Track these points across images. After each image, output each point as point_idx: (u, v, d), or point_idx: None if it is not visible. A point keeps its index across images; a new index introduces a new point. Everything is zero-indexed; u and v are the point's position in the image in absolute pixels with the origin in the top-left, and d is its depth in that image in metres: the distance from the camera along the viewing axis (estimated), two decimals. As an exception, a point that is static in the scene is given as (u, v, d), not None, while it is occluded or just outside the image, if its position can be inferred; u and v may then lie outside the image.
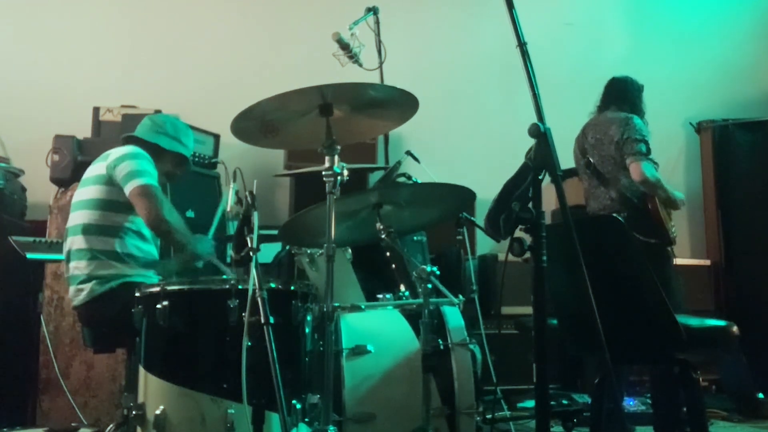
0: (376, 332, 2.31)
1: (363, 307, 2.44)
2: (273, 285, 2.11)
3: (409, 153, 3.24)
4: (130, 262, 2.60)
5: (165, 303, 2.05)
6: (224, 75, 4.66)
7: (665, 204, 3.31)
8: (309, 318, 2.23)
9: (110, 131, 3.84)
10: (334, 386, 1.99)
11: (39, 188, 4.01)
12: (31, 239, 3.35)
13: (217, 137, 4.11)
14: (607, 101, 3.50)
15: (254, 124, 2.12)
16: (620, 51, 5.21)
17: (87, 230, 2.60)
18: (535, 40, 1.80)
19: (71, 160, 3.72)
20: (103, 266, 2.56)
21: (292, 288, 2.19)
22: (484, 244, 4.37)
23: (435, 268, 2.08)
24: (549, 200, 2.17)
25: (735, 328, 2.33)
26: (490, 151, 4.70)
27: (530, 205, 1.59)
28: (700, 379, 2.44)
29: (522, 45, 1.68)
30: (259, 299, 1.89)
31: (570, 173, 3.81)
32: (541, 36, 4.16)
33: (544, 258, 1.58)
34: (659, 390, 3.06)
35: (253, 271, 1.92)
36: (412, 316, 2.34)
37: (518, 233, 1.63)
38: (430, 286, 2.09)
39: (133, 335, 2.17)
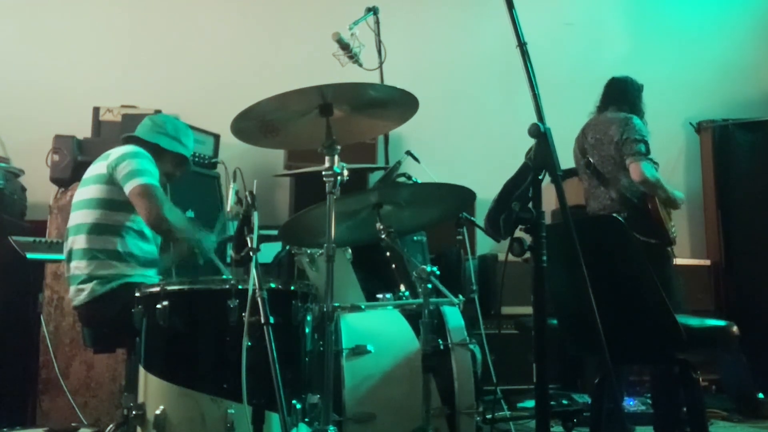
0: (376, 332, 2.31)
1: (363, 307, 2.44)
2: (273, 285, 2.11)
3: (409, 153, 3.24)
4: (131, 262, 2.60)
5: (165, 303, 2.05)
6: (224, 75, 4.66)
7: (665, 204, 3.31)
8: (309, 318, 2.23)
9: (110, 131, 3.84)
10: (334, 386, 1.99)
11: (39, 188, 4.00)
12: (31, 239, 3.35)
13: (217, 137, 4.11)
14: (606, 101, 3.50)
15: (254, 124, 2.12)
16: (620, 51, 5.21)
17: (88, 230, 2.59)
18: (535, 40, 1.80)
19: (71, 160, 3.72)
20: (104, 266, 2.56)
21: (292, 288, 2.19)
22: (484, 244, 4.37)
23: (435, 268, 2.08)
24: (549, 200, 2.16)
25: (735, 328, 2.33)
26: (490, 151, 4.70)
27: (530, 205, 1.59)
28: (700, 379, 2.43)
29: (522, 45, 1.68)
30: (259, 299, 1.89)
31: (570, 173, 3.81)
32: (541, 36, 4.16)
33: (544, 258, 1.58)
34: (659, 390, 3.06)
35: (253, 271, 1.91)
36: (412, 316, 2.33)
37: (518, 233, 1.63)
38: (430, 286, 2.09)
39: (133, 335, 2.17)
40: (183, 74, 4.65)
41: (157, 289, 2.10)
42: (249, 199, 2.06)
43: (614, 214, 2.96)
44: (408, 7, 4.95)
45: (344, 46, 3.21)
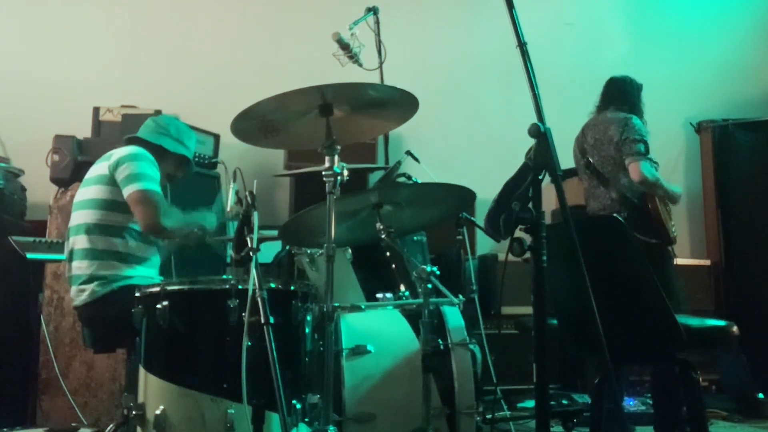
0: (376, 332, 2.31)
1: (363, 307, 2.44)
2: (273, 285, 2.11)
3: (409, 153, 3.24)
4: (133, 262, 2.60)
5: (165, 303, 2.05)
6: (224, 75, 4.66)
7: (665, 199, 3.32)
8: (309, 318, 2.23)
9: (110, 131, 3.85)
10: (334, 386, 1.99)
11: (39, 188, 4.00)
12: (31, 239, 3.35)
13: (217, 137, 4.11)
14: (606, 101, 3.50)
15: (254, 124, 2.12)
16: (620, 51, 5.21)
17: (89, 230, 2.59)
18: (535, 40, 1.80)
19: (71, 160, 3.72)
20: (105, 266, 2.56)
21: (292, 288, 2.19)
22: (484, 244, 4.37)
23: (435, 268, 2.08)
24: (549, 200, 2.16)
25: (735, 328, 2.33)
26: (490, 151, 4.70)
27: (530, 205, 1.59)
28: (700, 379, 2.43)
29: (522, 45, 1.68)
30: (259, 299, 1.89)
31: (570, 173, 3.81)
32: (541, 36, 4.17)
33: (544, 258, 1.58)
34: (659, 390, 3.06)
35: (253, 271, 1.91)
36: (412, 316, 2.34)
37: (518, 233, 1.63)
38: (430, 286, 2.08)
39: (134, 335, 2.17)
40: (183, 74, 4.65)
41: (157, 289, 2.10)
42: (249, 199, 2.06)
43: (614, 214, 2.96)
44: (408, 7, 4.95)
45: (344, 46, 3.21)
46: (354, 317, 2.37)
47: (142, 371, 2.09)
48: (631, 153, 3.23)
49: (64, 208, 3.62)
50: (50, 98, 4.39)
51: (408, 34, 4.74)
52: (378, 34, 3.60)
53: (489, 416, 2.33)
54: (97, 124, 3.95)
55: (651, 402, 3.40)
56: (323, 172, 2.04)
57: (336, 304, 2.18)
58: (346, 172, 2.06)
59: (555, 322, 2.54)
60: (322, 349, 2.08)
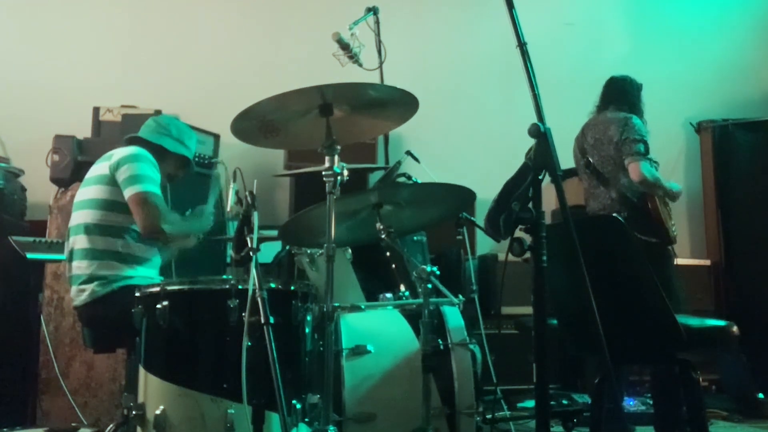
0: (376, 332, 2.31)
1: (363, 307, 2.44)
2: (273, 285, 2.11)
3: (409, 153, 3.24)
4: (133, 263, 2.60)
5: (165, 303, 2.05)
6: (224, 75, 4.66)
7: (665, 198, 3.32)
8: (309, 318, 2.23)
9: (110, 131, 3.85)
10: (334, 386, 1.99)
11: (39, 188, 4.00)
12: (31, 239, 3.35)
13: (217, 137, 4.11)
14: (606, 101, 3.50)
15: (254, 124, 2.12)
16: (620, 51, 5.21)
17: (89, 230, 2.59)
18: (535, 40, 1.80)
19: (71, 160, 3.72)
20: (105, 266, 2.56)
21: (292, 288, 2.19)
22: (484, 244, 4.37)
23: (435, 268, 2.07)
24: (549, 200, 2.16)
25: (735, 328, 2.33)
26: (490, 151, 4.70)
27: (530, 205, 1.59)
28: (700, 379, 2.43)
29: (522, 45, 1.68)
30: (259, 299, 1.89)
31: (570, 173, 3.81)
32: (541, 36, 4.15)
33: (544, 258, 1.58)
34: (659, 390, 3.06)
35: (253, 271, 1.91)
36: (412, 316, 2.34)
37: (518, 233, 1.63)
38: (430, 286, 2.08)
39: (134, 335, 2.17)
40: (183, 74, 4.65)
41: (157, 289, 2.10)
42: (249, 199, 2.06)
43: (614, 214, 2.96)
44: (408, 7, 4.95)
45: (344, 46, 3.21)
46: (354, 317, 2.37)
47: (142, 371, 2.09)
48: (631, 153, 3.23)
49: (64, 208, 3.62)
50: (50, 98, 4.39)
51: (408, 34, 4.74)
52: (378, 34, 3.60)
53: (489, 416, 2.33)
54: (97, 124, 3.95)
55: (651, 402, 3.40)
56: (323, 172, 2.04)
57: (336, 304, 2.18)
58: (346, 172, 2.06)
59: (555, 322, 2.54)
60: (322, 349, 2.07)
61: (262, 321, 1.87)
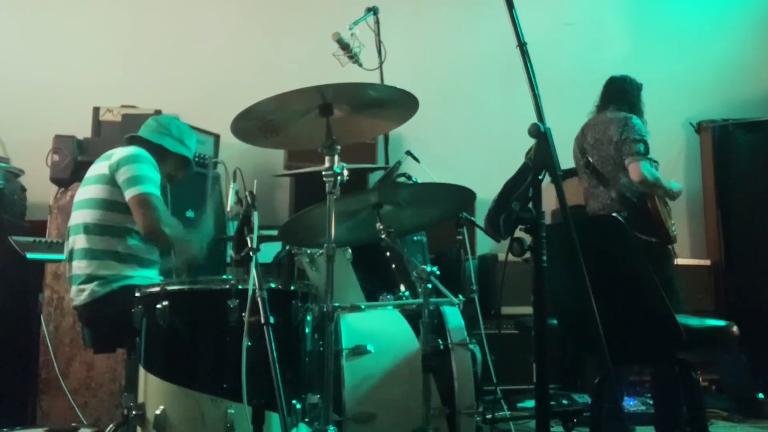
0: (376, 332, 2.31)
1: (363, 307, 2.44)
2: (273, 285, 2.11)
3: (409, 153, 3.24)
4: (132, 262, 2.60)
5: (165, 303, 2.05)
6: (224, 75, 4.66)
7: (665, 198, 3.32)
8: (309, 318, 2.23)
9: (110, 131, 3.85)
10: (334, 386, 1.99)
11: (39, 188, 4.00)
12: (31, 239, 3.35)
13: (217, 137, 4.11)
14: (606, 101, 3.50)
15: (254, 124, 2.12)
16: (620, 51, 5.21)
17: (89, 230, 2.59)
18: (535, 40, 1.80)
19: (71, 160, 3.72)
20: (104, 266, 2.56)
21: (292, 288, 2.19)
22: (484, 244, 4.37)
23: (435, 268, 2.07)
24: (549, 200, 2.16)
25: (735, 328, 2.33)
26: (490, 151, 4.70)
27: (530, 205, 1.59)
28: (700, 379, 2.43)
29: (522, 45, 1.68)
30: (259, 299, 1.89)
31: (570, 173, 3.81)
32: (541, 36, 4.15)
33: (544, 258, 1.58)
34: (659, 390, 3.06)
35: (253, 271, 1.91)
36: (412, 316, 2.34)
37: (518, 233, 1.63)
38: (430, 286, 2.08)
39: (134, 335, 2.17)
40: (183, 74, 4.65)
41: (157, 289, 2.10)
42: (249, 199, 2.06)
43: (614, 214, 2.96)
44: (408, 7, 4.95)
45: (344, 46, 3.21)
46: (354, 317, 2.37)
47: (142, 371, 2.09)
48: (631, 153, 3.23)
49: (64, 208, 3.62)
50: (50, 98, 4.39)
51: (408, 34, 4.74)
52: (378, 34, 3.60)
53: (489, 416, 2.33)
54: (97, 124, 3.95)
55: (651, 402, 3.40)
56: (323, 172, 2.04)
57: (336, 304, 2.18)
58: (346, 172, 2.06)
59: (555, 322, 2.54)
60: (322, 349, 2.07)
61: (262, 321, 1.87)
